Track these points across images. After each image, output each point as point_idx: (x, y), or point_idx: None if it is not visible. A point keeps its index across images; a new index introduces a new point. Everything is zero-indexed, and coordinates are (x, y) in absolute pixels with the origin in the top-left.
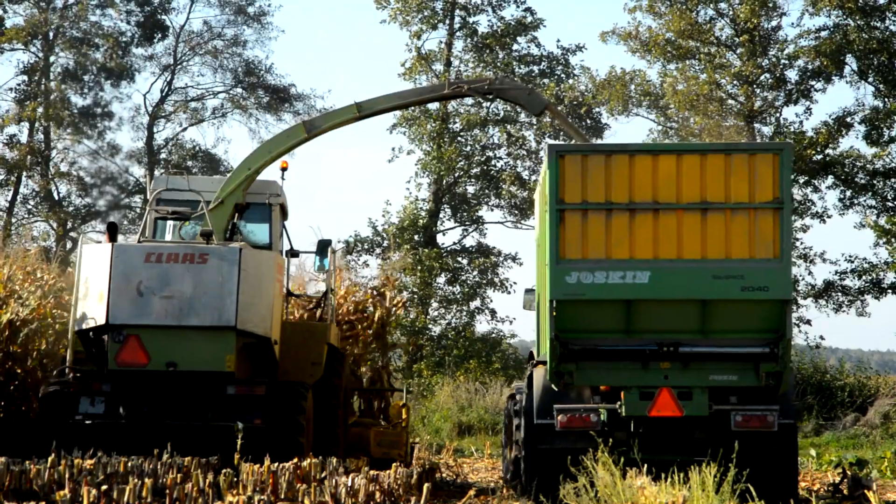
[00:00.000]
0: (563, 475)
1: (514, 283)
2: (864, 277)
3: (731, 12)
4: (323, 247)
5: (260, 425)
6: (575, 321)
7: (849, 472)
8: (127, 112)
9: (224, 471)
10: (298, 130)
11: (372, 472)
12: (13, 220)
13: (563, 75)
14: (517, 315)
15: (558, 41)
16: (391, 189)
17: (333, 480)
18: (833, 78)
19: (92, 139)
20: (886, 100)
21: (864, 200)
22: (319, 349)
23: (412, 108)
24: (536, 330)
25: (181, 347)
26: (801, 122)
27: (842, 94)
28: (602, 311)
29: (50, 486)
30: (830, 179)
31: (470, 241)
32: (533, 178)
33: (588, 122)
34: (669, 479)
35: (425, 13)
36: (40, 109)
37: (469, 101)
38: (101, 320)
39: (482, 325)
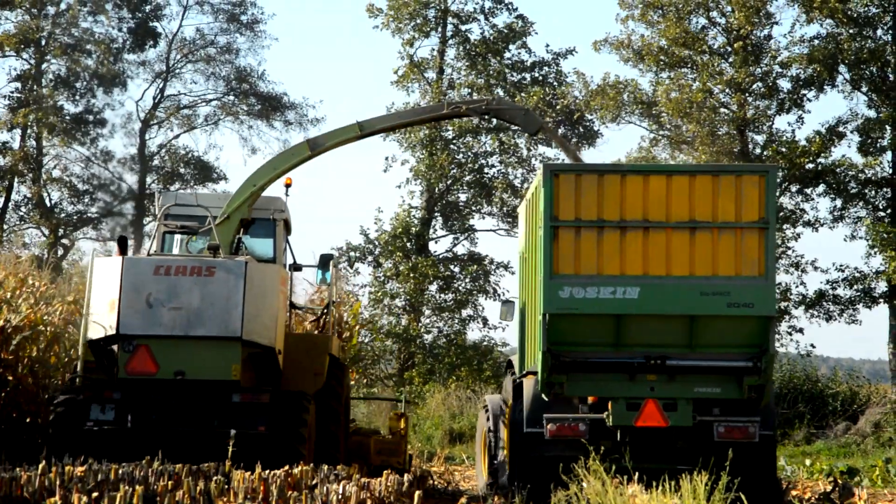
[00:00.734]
0: (553, 483)
1: (506, 290)
2: (855, 287)
3: (723, 21)
4: (325, 261)
5: (264, 433)
6: (567, 334)
7: (839, 481)
8: (119, 119)
9: (215, 478)
10: (302, 148)
11: (363, 480)
12: (5, 227)
13: (554, 82)
14: (508, 323)
15: (547, 46)
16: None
17: (325, 488)
18: (825, 87)
19: (84, 146)
20: (879, 109)
21: (856, 211)
22: (321, 360)
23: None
24: (520, 340)
25: (189, 357)
26: (793, 131)
27: (834, 104)
28: (593, 324)
29: (41, 493)
30: (822, 188)
31: (461, 250)
32: (525, 186)
33: (580, 129)
34: (660, 488)
35: (417, 21)
36: (32, 116)
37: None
38: (112, 330)
39: (474, 333)
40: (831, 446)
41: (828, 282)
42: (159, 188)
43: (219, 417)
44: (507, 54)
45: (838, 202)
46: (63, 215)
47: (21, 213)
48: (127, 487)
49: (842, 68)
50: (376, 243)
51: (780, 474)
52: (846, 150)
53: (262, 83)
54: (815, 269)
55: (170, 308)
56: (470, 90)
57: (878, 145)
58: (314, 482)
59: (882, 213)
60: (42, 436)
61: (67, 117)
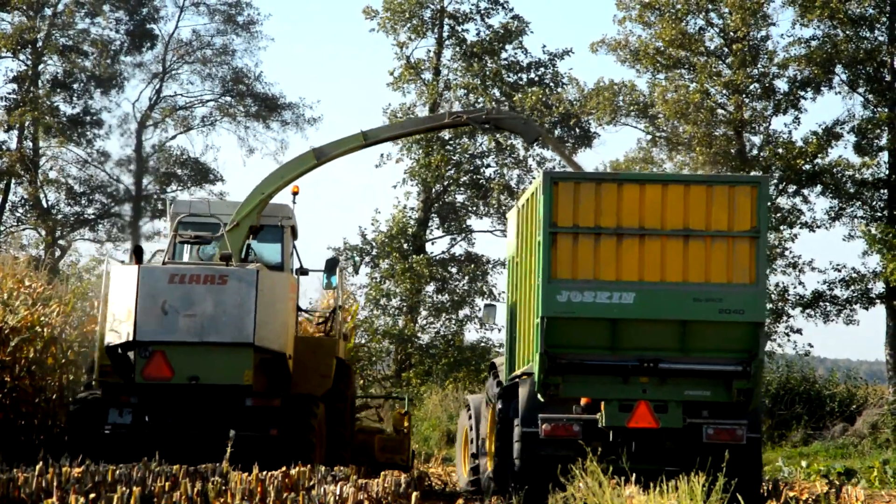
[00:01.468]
0: (548, 482)
1: (504, 291)
2: (852, 287)
3: (721, 22)
4: (331, 265)
5: (276, 435)
6: (563, 337)
7: (836, 483)
8: (116, 120)
9: (213, 479)
10: (308, 157)
11: (361, 481)
12: (2, 228)
13: (551, 83)
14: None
15: (544, 46)
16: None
17: (322, 489)
18: (822, 88)
19: (81, 147)
20: (876, 109)
21: (853, 211)
22: (329, 362)
23: (398, 114)
24: (509, 343)
25: (203, 362)
26: (790, 132)
27: (831, 104)
28: (589, 328)
29: (38, 494)
30: (819, 188)
31: (458, 250)
32: (521, 186)
33: (576, 131)
34: (658, 489)
35: (414, 22)
36: (29, 119)
37: (458, 108)
38: (129, 337)
39: (471, 334)
40: (828, 447)
41: (825, 282)
42: (156, 189)
43: (232, 421)
44: (504, 55)
45: (835, 203)
46: (60, 216)
47: (18, 215)
48: (124, 488)
49: (838, 69)
50: (373, 244)
51: (777, 475)
52: (843, 151)
53: (259, 84)
54: (813, 269)
55: (184, 315)
56: (466, 91)
57: (874, 146)
58: (311, 483)
59: (879, 214)
60: (49, 437)
61: (64, 118)
